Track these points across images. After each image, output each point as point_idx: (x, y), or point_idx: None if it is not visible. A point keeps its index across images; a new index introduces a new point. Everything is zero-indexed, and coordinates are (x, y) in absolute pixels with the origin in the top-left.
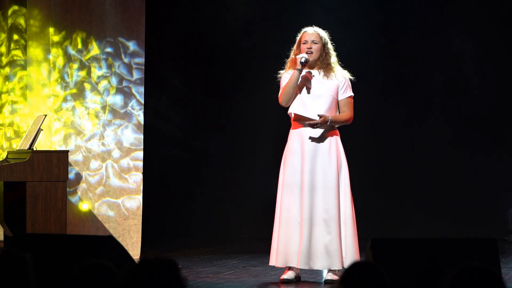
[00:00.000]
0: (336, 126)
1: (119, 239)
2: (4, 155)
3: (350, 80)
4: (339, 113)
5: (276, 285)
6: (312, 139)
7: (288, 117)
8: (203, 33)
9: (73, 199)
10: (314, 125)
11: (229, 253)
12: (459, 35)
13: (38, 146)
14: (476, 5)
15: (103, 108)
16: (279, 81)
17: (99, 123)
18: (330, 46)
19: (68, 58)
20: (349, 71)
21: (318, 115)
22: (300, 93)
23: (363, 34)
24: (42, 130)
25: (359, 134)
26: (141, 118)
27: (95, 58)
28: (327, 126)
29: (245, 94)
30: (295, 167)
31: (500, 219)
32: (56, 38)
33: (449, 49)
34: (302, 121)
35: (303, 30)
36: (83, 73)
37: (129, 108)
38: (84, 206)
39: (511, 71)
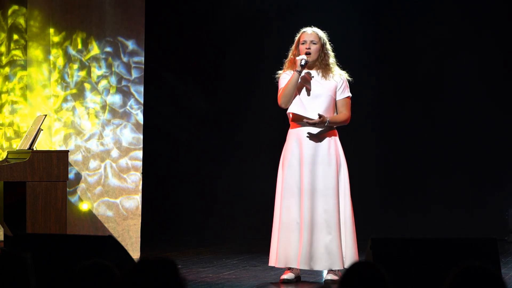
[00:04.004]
0: (334, 126)
1: (119, 239)
2: (4, 155)
3: (348, 80)
4: (337, 113)
5: (276, 285)
6: (311, 139)
7: (287, 117)
8: (202, 32)
9: (72, 199)
10: (312, 124)
11: (229, 253)
12: (459, 33)
13: (38, 146)
14: (476, 8)
15: (103, 107)
16: (277, 82)
17: (98, 122)
18: (328, 46)
19: (68, 59)
20: (347, 72)
21: (318, 114)
22: (299, 93)
23: (361, 34)
24: (42, 130)
25: (358, 134)
26: (140, 117)
27: (95, 58)
28: (325, 127)
29: (245, 94)
30: (294, 168)
31: (500, 219)
32: (56, 38)
33: (449, 48)
34: (301, 121)
35: (302, 30)
36: (83, 73)
37: (127, 107)
38: (84, 206)
39: (503, 73)
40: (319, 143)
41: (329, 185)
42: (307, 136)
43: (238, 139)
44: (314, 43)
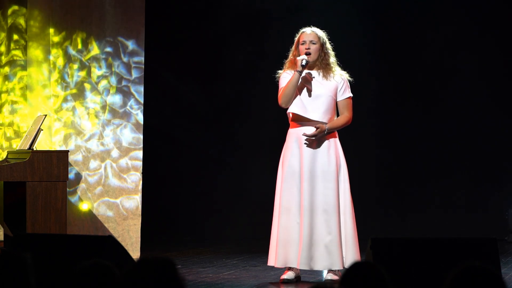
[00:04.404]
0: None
1: (119, 239)
2: (4, 155)
3: (349, 81)
4: (338, 113)
5: (276, 285)
6: (310, 140)
7: (287, 116)
8: (202, 32)
9: (72, 199)
10: (311, 137)
11: (229, 253)
12: (457, 32)
13: (38, 146)
14: (476, 8)
15: (103, 108)
16: (278, 81)
17: (98, 123)
18: (328, 46)
19: (68, 59)
20: (347, 72)
21: (315, 127)
22: (299, 93)
23: (361, 34)
24: (42, 130)
25: (358, 134)
26: (140, 117)
27: (95, 58)
28: (325, 135)
29: (245, 94)
30: (294, 169)
31: (500, 219)
32: (56, 38)
33: (449, 48)
34: (301, 121)
35: (301, 30)
36: (83, 73)
37: (127, 107)
38: (84, 206)
39: (503, 73)
40: (319, 143)
41: (329, 186)
42: (306, 141)
43: (238, 139)
44: (313, 43)
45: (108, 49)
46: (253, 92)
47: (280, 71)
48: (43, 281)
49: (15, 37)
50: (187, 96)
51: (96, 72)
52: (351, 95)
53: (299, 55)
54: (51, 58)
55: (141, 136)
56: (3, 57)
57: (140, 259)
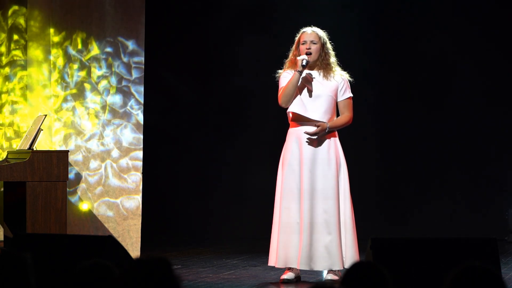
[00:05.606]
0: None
1: (119, 239)
2: (4, 155)
3: (349, 81)
4: (338, 113)
5: (276, 285)
6: (310, 140)
7: (287, 116)
8: (202, 32)
9: (72, 199)
10: (313, 134)
11: (229, 253)
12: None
13: (38, 146)
14: (476, 8)
15: (103, 108)
16: (278, 81)
17: (98, 123)
18: (329, 45)
19: (68, 59)
20: (347, 72)
21: (316, 125)
22: (300, 93)
23: (362, 34)
24: (42, 130)
25: (358, 133)
26: (140, 117)
27: (95, 58)
28: (326, 133)
29: (245, 94)
30: (294, 169)
31: (500, 219)
32: (56, 38)
33: (449, 48)
34: (301, 121)
35: (302, 30)
36: (83, 73)
37: (128, 107)
38: (84, 206)
39: (503, 73)
40: (319, 144)
41: (329, 186)
42: (307, 140)
43: (238, 139)
44: (314, 43)
45: (108, 49)
46: (253, 92)
47: (280, 71)
48: (43, 281)
49: (15, 37)
50: (187, 96)
51: (96, 72)
52: (352, 95)
53: (299, 55)
54: (51, 58)
55: (141, 136)
56: (3, 58)
57: (136, 259)
